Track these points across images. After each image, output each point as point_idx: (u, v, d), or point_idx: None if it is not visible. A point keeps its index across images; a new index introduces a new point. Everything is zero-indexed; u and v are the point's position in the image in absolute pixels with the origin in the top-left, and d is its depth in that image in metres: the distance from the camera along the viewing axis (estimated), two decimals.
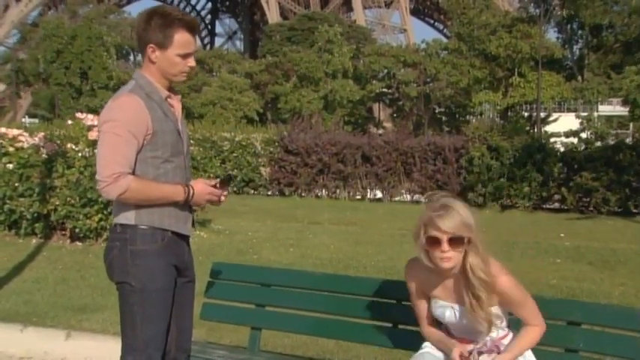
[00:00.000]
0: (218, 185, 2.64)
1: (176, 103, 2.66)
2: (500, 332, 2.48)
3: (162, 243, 2.56)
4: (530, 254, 7.62)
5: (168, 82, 2.60)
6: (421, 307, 2.58)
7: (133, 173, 2.49)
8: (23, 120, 49.93)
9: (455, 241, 2.31)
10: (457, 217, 2.32)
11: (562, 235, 9.15)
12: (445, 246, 2.31)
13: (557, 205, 12.49)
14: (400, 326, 2.87)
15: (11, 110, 63.34)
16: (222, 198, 2.68)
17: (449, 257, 2.31)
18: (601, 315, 2.62)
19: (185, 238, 2.68)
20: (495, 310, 2.42)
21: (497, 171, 12.37)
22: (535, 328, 2.44)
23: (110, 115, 2.50)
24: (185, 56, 2.54)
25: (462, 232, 2.31)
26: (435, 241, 2.32)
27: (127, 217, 2.55)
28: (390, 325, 2.91)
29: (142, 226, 2.54)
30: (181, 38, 2.52)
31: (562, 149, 12.64)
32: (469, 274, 2.35)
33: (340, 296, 3.09)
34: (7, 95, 69.73)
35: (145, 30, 2.53)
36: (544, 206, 12.44)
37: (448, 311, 2.46)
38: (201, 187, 2.61)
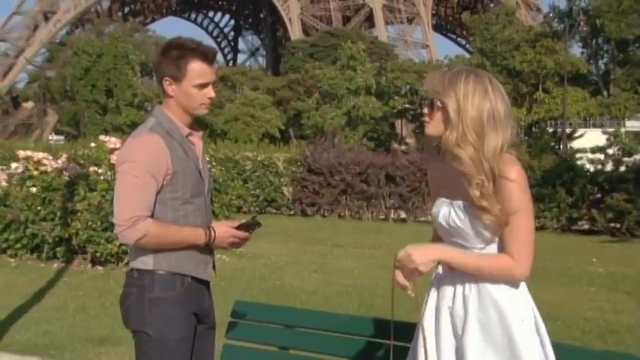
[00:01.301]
0: (242, 228, 2.51)
1: (197, 140, 2.54)
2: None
3: (181, 289, 2.43)
4: (562, 282, 7.35)
5: (190, 116, 2.48)
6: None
7: (152, 216, 2.38)
8: (50, 137, 50.64)
9: (431, 105, 2.10)
10: (432, 77, 2.11)
11: (594, 260, 8.85)
12: (425, 109, 2.13)
13: (587, 226, 12.17)
14: None
15: (38, 128, 64.40)
16: (245, 242, 2.56)
17: (426, 121, 2.12)
18: None
19: (205, 283, 2.55)
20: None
21: None
22: (509, 259, 1.99)
23: (129, 154, 2.39)
24: (202, 87, 2.43)
25: (434, 95, 2.08)
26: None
27: (145, 262, 2.42)
28: None
29: (160, 272, 2.41)
30: (196, 68, 2.40)
31: (591, 168, 12.34)
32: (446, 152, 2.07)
33: (368, 340, 2.92)
34: (35, 113, 70.97)
35: (160, 63, 2.44)
36: (573, 228, 12.12)
37: (444, 208, 2.12)
38: (224, 229, 2.48)
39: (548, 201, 11.85)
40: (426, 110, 2.11)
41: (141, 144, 2.39)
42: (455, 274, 2.09)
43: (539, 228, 12.09)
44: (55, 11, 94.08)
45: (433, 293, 2.17)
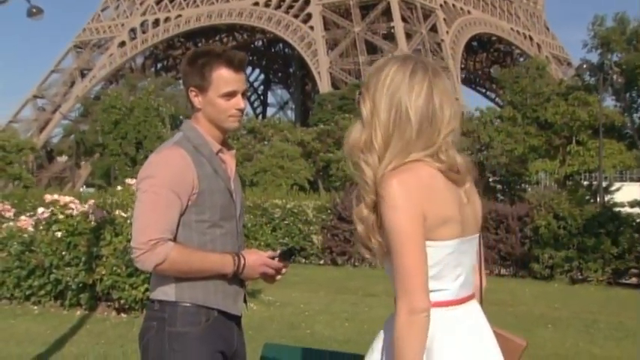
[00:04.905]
0: (277, 258, 2.21)
1: (229, 158, 2.27)
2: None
3: (205, 324, 2.13)
4: (615, 336, 6.82)
5: (221, 132, 2.22)
6: None
7: (175, 240, 2.10)
8: (81, 189, 51.29)
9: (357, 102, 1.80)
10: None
11: None
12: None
13: (635, 279, 11.51)
14: None
15: (71, 181, 65.49)
16: (279, 275, 2.25)
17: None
18: None
19: (235, 319, 2.23)
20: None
21: (565, 241, 11.56)
22: (397, 314, 1.61)
23: (150, 170, 2.13)
24: (229, 96, 2.17)
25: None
26: None
27: (166, 293, 2.14)
28: None
29: (184, 304, 2.12)
30: (221, 76, 2.16)
31: (638, 219, 11.74)
32: None
33: None
34: (68, 166, 72.35)
35: (185, 73, 2.22)
36: (620, 281, 11.48)
37: None
38: (255, 257, 2.19)
39: (592, 252, 11.27)
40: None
41: (163, 159, 2.13)
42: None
43: (582, 280, 11.50)
44: (90, 68, 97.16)
45: None
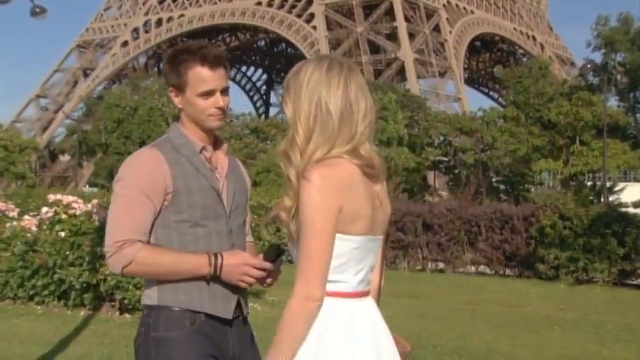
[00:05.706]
0: (262, 258, 2.07)
1: (220, 155, 2.20)
2: None
3: (191, 328, 2.04)
4: (624, 338, 6.76)
5: (204, 131, 2.15)
6: None
7: (155, 240, 2.05)
8: (84, 189, 51.33)
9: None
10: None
11: None
12: None
13: None
14: None
15: (73, 180, 65.53)
16: (270, 279, 2.11)
17: None
18: None
19: (228, 322, 2.11)
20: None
21: (570, 241, 11.49)
22: (292, 296, 1.67)
23: (122, 173, 2.09)
24: (207, 95, 2.09)
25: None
26: None
27: (151, 297, 2.08)
28: None
29: (168, 308, 2.05)
30: (197, 75, 2.08)
31: None
32: None
33: None
34: (71, 166, 72.41)
35: (164, 73, 2.17)
36: (626, 282, 11.40)
37: None
38: (236, 257, 2.04)
39: (598, 252, 11.20)
40: None
41: (135, 161, 2.10)
42: None
43: (588, 281, 11.44)
44: (93, 67, 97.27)
45: None
